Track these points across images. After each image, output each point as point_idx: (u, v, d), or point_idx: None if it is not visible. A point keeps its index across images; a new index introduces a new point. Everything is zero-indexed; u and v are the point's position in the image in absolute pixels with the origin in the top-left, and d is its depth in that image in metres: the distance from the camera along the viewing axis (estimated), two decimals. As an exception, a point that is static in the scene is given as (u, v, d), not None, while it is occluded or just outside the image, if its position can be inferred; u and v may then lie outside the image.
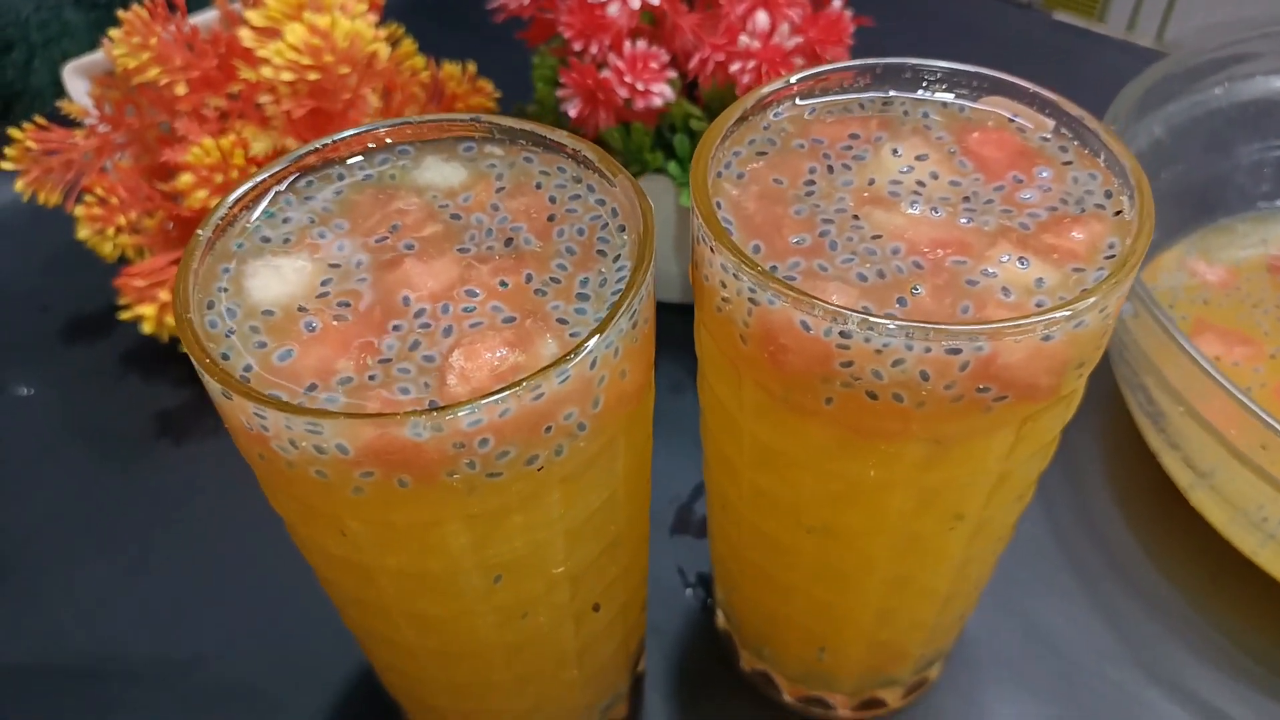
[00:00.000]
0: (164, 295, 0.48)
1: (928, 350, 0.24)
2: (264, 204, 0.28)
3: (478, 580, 0.27)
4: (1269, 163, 0.54)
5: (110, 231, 0.50)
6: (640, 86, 0.44)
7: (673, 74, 0.45)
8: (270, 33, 0.48)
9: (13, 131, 0.50)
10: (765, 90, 0.31)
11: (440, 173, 0.30)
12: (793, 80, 0.31)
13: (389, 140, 0.30)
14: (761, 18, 0.43)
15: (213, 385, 0.24)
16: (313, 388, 0.24)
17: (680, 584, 0.46)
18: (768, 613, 0.38)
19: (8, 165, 0.51)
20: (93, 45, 0.57)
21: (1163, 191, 0.52)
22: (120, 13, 0.49)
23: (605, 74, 0.45)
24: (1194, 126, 0.52)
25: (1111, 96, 0.49)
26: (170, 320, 0.49)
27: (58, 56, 0.69)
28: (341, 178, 0.30)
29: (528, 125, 0.30)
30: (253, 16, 0.49)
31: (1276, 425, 0.35)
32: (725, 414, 0.31)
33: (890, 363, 0.25)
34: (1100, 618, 0.43)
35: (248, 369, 0.24)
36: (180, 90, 0.49)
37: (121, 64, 0.49)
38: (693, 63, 0.45)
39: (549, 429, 0.24)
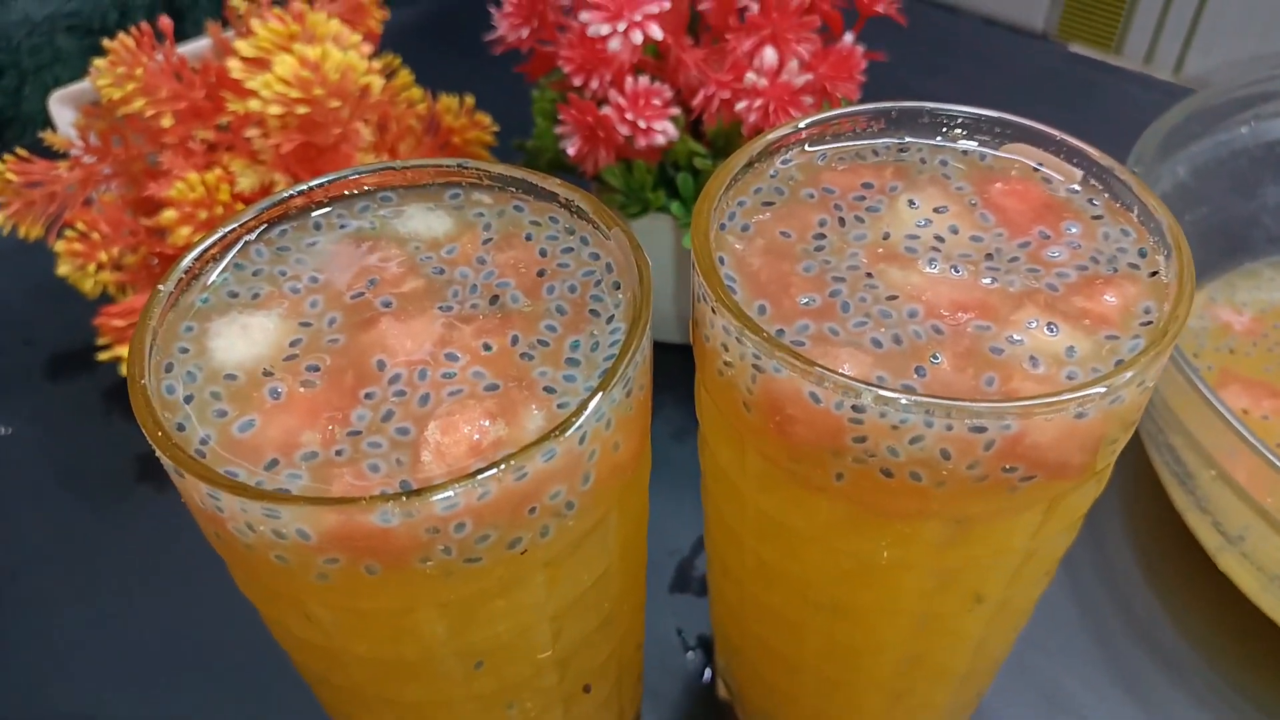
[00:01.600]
0: (144, 335, 0.46)
1: (949, 428, 0.22)
2: (232, 255, 0.26)
3: (456, 667, 0.25)
4: (1297, 204, 0.52)
5: (91, 268, 0.48)
6: (642, 124, 0.42)
7: (676, 110, 0.43)
8: (260, 64, 0.47)
9: (-7, 163, 0.49)
10: (772, 136, 0.29)
11: (424, 222, 0.28)
12: (802, 125, 0.29)
13: (370, 187, 0.28)
14: (769, 54, 0.41)
15: (165, 461, 0.22)
16: (274, 464, 0.22)
17: (680, 646, 0.43)
18: (771, 687, 0.35)
19: (-11, 198, 0.49)
20: (85, 73, 0.55)
21: (1187, 234, 0.50)
22: (106, 41, 0.47)
23: (606, 110, 0.43)
24: (1219, 168, 0.50)
25: (1129, 129, 0.47)
26: (151, 361, 0.47)
27: (49, 83, 0.67)
28: (318, 227, 0.28)
29: (518, 172, 0.28)
30: (242, 47, 0.47)
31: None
32: (727, 481, 0.29)
33: (908, 440, 0.23)
34: (1124, 688, 0.41)
35: (205, 441, 0.22)
36: (166, 122, 0.48)
37: (107, 94, 0.47)
38: (697, 99, 0.43)
39: (533, 510, 0.22)
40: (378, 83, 0.48)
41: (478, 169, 0.28)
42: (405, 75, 0.56)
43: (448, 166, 0.28)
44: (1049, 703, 0.40)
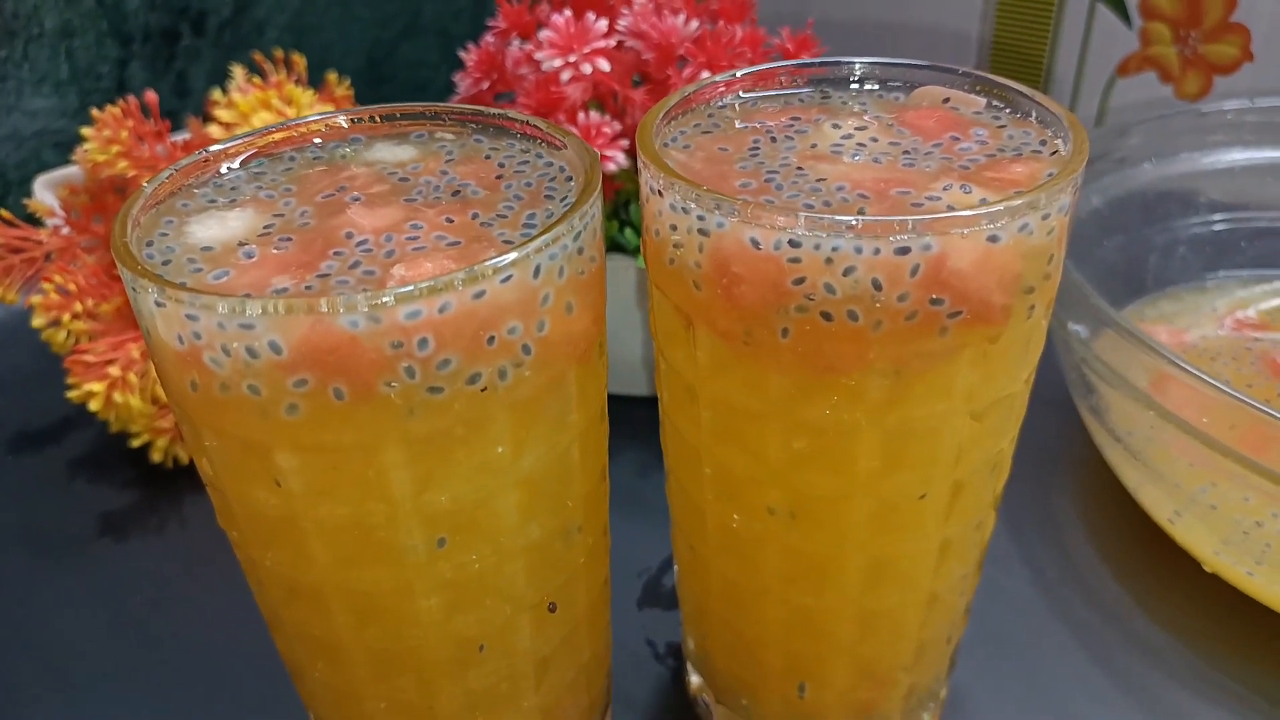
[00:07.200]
0: (114, 371, 0.47)
1: (877, 252, 0.24)
2: (211, 175, 0.29)
3: (420, 539, 0.25)
4: (1207, 237, 0.56)
5: (66, 318, 0.50)
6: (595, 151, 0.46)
7: (626, 142, 0.47)
8: (238, 127, 0.50)
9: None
10: (708, 79, 0.32)
11: (391, 152, 0.30)
12: (738, 74, 0.32)
13: (344, 125, 0.31)
14: (706, 76, 0.45)
15: (145, 293, 0.23)
16: (246, 298, 0.23)
17: (650, 655, 0.43)
18: (743, 646, 0.35)
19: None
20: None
21: (1108, 261, 0.54)
22: (95, 111, 0.51)
23: (561, 143, 0.46)
24: (1129, 200, 0.54)
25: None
26: (120, 399, 0.47)
27: (31, 193, 0.70)
28: (293, 159, 0.30)
29: (480, 108, 0.31)
30: (222, 114, 0.51)
31: (1257, 404, 0.35)
32: (681, 385, 0.30)
33: (841, 272, 0.24)
34: (1102, 672, 0.40)
35: (181, 286, 0.24)
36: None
37: (92, 157, 0.50)
38: (644, 127, 0.47)
39: (492, 339, 0.23)
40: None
41: (441, 109, 0.31)
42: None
43: (415, 106, 0.31)
44: (1026, 690, 0.40)
